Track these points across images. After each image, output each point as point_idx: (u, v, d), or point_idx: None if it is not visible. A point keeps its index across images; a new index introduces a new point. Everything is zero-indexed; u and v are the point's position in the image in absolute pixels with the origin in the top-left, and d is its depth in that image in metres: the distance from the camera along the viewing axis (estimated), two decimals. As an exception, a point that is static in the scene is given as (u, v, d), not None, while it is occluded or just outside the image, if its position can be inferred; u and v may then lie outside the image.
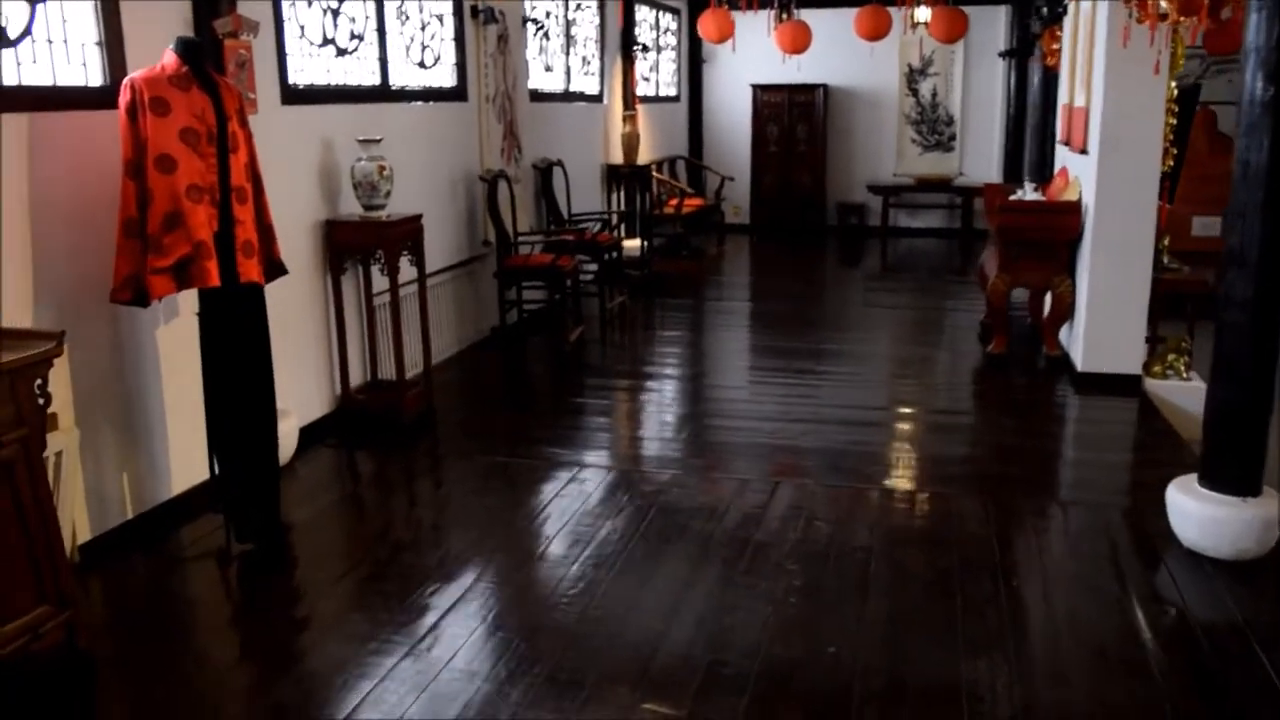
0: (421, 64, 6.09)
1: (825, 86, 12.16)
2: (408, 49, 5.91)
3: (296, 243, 4.69)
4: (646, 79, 11.14)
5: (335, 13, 5.15)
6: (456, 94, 6.50)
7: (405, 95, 5.89)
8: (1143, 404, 5.70)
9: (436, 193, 6.21)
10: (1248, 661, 3.08)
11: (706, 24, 8.15)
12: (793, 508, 4.21)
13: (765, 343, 7.59)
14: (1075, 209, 6.12)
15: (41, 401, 2.86)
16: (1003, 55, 11.72)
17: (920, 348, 7.34)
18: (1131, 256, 5.78)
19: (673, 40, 12.33)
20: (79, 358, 3.55)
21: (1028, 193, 6.80)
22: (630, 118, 9.76)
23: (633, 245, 9.22)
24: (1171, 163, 5.76)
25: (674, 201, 10.67)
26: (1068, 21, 6.89)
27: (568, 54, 8.78)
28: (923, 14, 8.83)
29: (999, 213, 6.40)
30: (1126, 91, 5.55)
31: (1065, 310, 6.31)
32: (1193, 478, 3.91)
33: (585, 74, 9.26)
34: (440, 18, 6.29)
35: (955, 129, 12.23)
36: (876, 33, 8.43)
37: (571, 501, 4.30)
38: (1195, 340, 6.01)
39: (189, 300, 3.90)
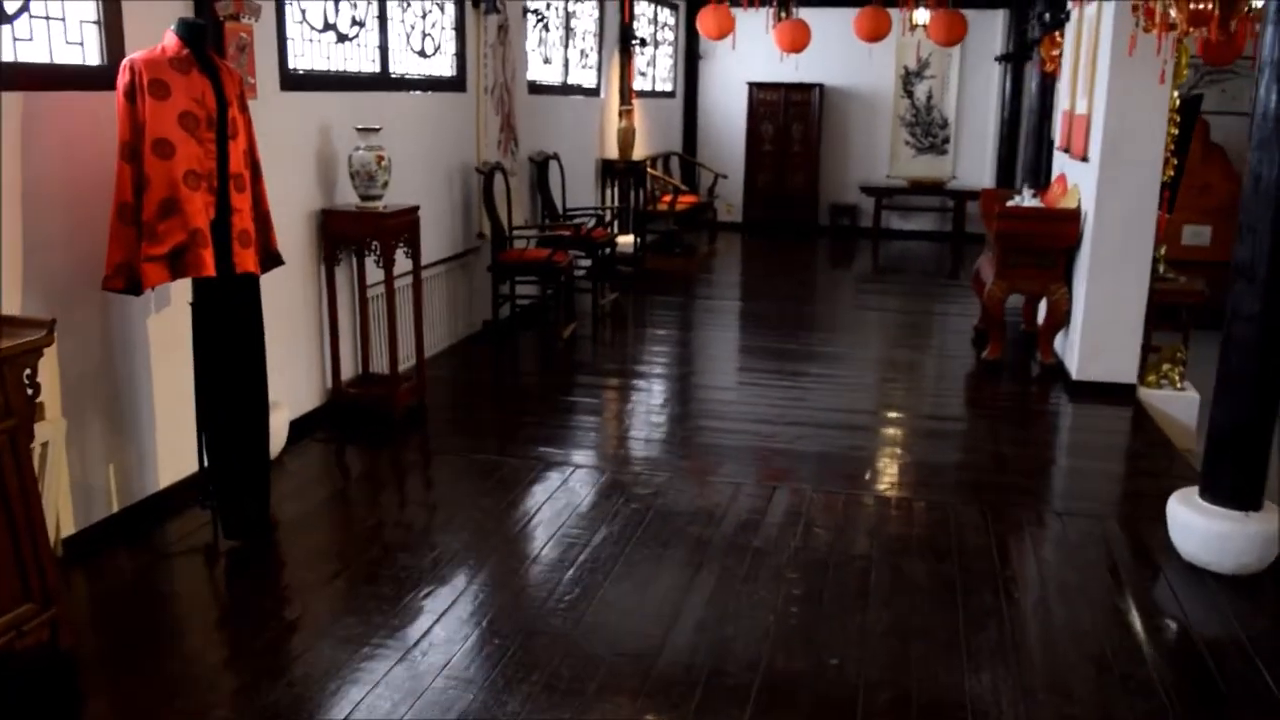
0: (421, 52, 6.00)
1: (821, 86, 12.12)
2: (408, 36, 5.82)
3: (291, 232, 4.60)
4: (643, 74, 11.07)
5: (336, -2, 5.06)
6: (455, 84, 6.41)
7: (404, 84, 5.80)
8: (1137, 413, 5.69)
9: (433, 184, 6.12)
10: (1251, 678, 3.06)
11: (706, 20, 8.10)
12: (790, 513, 4.16)
13: (758, 343, 7.54)
14: (1074, 216, 6.10)
15: (30, 392, 2.78)
16: (999, 60, 11.72)
17: (914, 352, 7.31)
18: (1130, 266, 5.78)
19: (670, 35, 12.25)
20: (68, 346, 3.46)
21: (1026, 199, 6.78)
22: (627, 112, 9.69)
23: (626, 241, 9.16)
24: (1172, 172, 5.74)
25: (667, 198, 10.61)
26: (1070, 28, 6.87)
27: (566, 46, 8.69)
28: (922, 16, 8.80)
29: (998, 219, 6.37)
30: (1130, 100, 5.53)
31: (1061, 318, 6.30)
32: (1193, 491, 3.89)
33: (583, 67, 9.18)
34: (441, 5, 6.20)
35: (949, 132, 12.22)
36: (876, 34, 8.41)
37: (565, 503, 4.24)
38: (1190, 350, 6.01)
39: (180, 288, 3.81)
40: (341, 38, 5.15)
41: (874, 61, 11.60)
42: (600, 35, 9.45)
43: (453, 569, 3.63)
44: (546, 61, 8.26)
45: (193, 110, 3.37)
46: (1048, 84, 8.83)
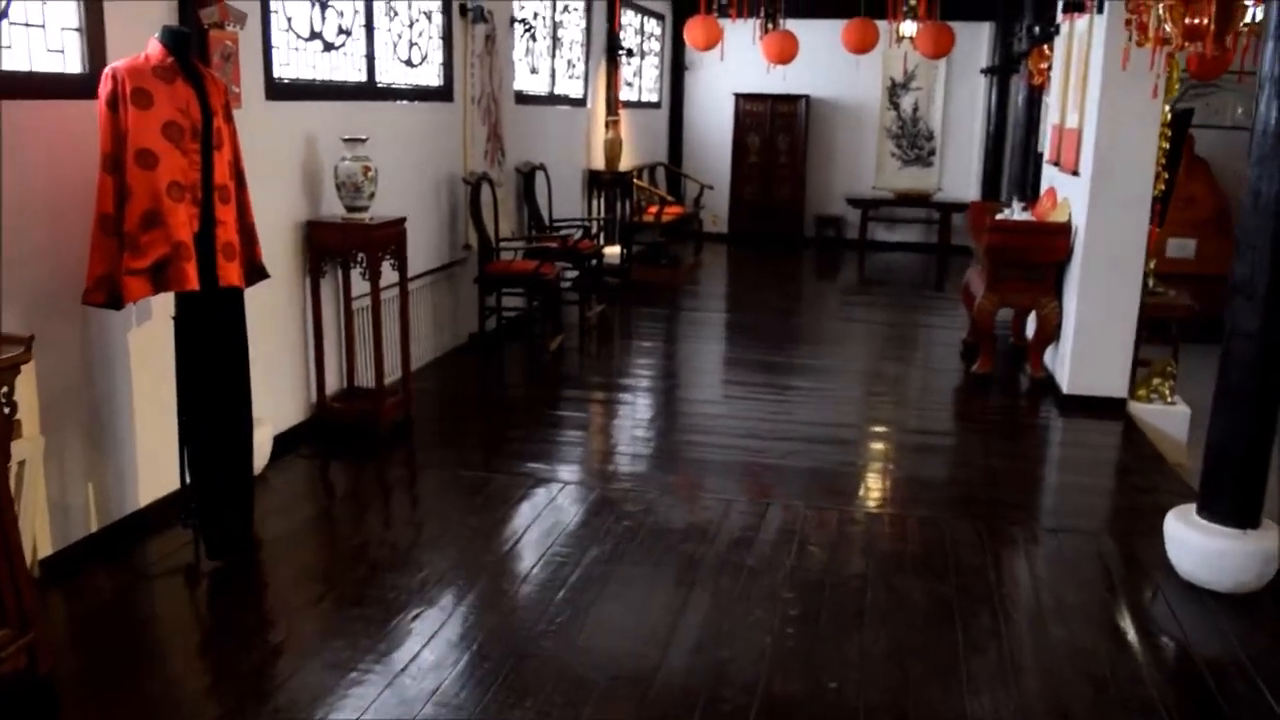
0: (408, 62, 5.93)
1: (808, 97, 12.12)
2: (395, 46, 5.75)
3: (276, 244, 4.51)
4: (629, 84, 11.03)
5: (324, 5, 4.98)
6: (442, 94, 6.34)
7: (391, 94, 5.73)
8: (1127, 427, 5.67)
9: (419, 195, 6.05)
10: (1254, 698, 3.02)
11: (694, 30, 8.08)
12: (784, 531, 4.10)
13: (745, 356, 7.49)
14: (1065, 230, 6.09)
15: (7, 410, 2.69)
16: (985, 72, 11.76)
17: (902, 365, 7.28)
18: (1120, 280, 5.77)
19: (656, 46, 12.23)
20: (46, 361, 3.36)
21: (1016, 212, 6.77)
22: (613, 123, 9.65)
23: (613, 252, 9.11)
24: (1163, 186, 5.74)
25: (653, 209, 10.57)
26: (1060, 41, 6.87)
27: (553, 56, 8.64)
28: (909, 28, 8.81)
29: (989, 232, 6.35)
30: (1122, 114, 5.52)
31: (1051, 332, 6.28)
32: (1190, 508, 3.86)
33: (570, 77, 9.13)
34: (429, 15, 6.13)
35: (935, 144, 12.24)
36: (863, 45, 8.42)
37: (554, 521, 4.16)
38: (1180, 364, 6.00)
39: (162, 302, 3.72)
40: (328, 47, 5.07)
41: (861, 73, 11.61)
42: (587, 45, 9.41)
43: (441, 590, 3.55)
44: (533, 71, 8.21)
45: (177, 120, 3.29)
46: (1035, 97, 8.85)
